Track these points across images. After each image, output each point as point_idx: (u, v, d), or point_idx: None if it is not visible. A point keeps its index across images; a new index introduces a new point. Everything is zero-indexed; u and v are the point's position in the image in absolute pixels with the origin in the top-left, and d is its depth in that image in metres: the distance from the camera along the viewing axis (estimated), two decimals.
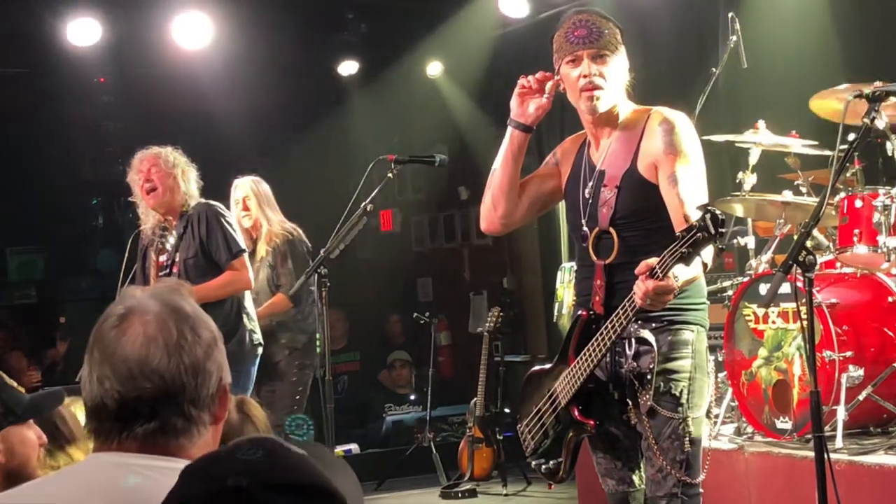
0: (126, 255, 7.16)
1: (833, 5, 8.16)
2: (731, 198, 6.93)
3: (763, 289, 6.32)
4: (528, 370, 4.78)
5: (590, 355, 4.25)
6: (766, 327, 6.38)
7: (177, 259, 6.92)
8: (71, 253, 14.93)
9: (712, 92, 7.37)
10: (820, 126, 6.85)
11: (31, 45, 10.30)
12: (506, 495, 9.11)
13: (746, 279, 6.65)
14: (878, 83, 4.85)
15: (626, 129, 4.41)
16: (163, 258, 6.97)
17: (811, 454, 4.18)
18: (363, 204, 6.47)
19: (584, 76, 4.32)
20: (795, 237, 4.84)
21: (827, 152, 6.67)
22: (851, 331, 6.06)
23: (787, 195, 6.74)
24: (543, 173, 4.71)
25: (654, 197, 4.22)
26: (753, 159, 6.87)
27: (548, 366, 4.60)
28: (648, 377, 4.25)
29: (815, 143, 6.84)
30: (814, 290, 4.29)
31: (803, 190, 6.94)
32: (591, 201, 4.43)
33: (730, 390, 6.60)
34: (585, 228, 4.43)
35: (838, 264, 6.52)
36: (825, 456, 4.04)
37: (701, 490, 4.32)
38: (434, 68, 11.80)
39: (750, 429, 6.49)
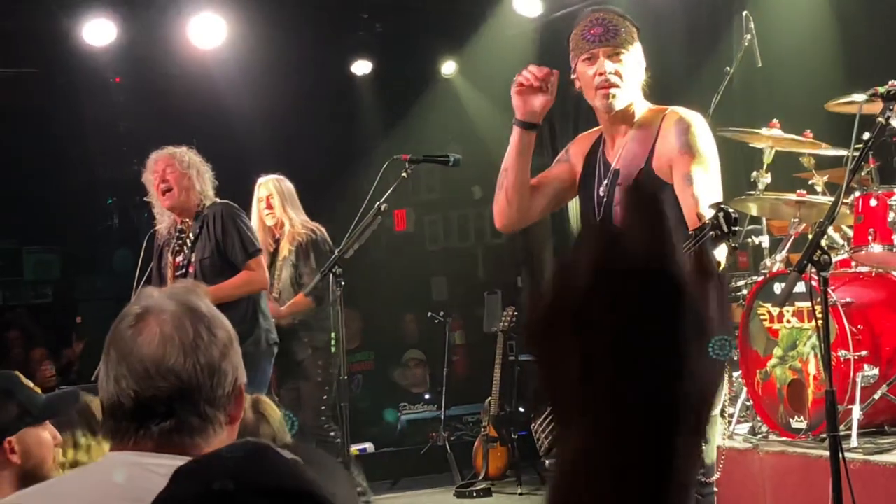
0: (142, 255, 7.16)
1: (846, 3, 8.14)
2: (746, 197, 6.92)
3: (778, 288, 6.30)
4: None
5: None
6: (781, 326, 6.38)
7: (193, 259, 6.91)
8: (86, 252, 14.97)
9: (726, 91, 7.36)
10: (834, 125, 6.84)
11: (46, 45, 10.33)
12: (520, 494, 9.10)
13: (761, 278, 6.64)
14: (893, 82, 4.85)
15: (641, 129, 4.40)
16: (179, 258, 6.96)
17: (826, 453, 4.18)
18: (377, 203, 6.47)
19: (600, 74, 4.33)
20: (810, 236, 4.84)
21: (842, 151, 6.66)
22: (866, 330, 6.05)
23: (802, 194, 6.74)
24: (557, 170, 4.71)
25: (668, 197, 4.22)
26: (767, 158, 6.87)
27: None
28: None
29: (828, 145, 6.83)
30: (829, 290, 4.29)
31: (818, 189, 6.93)
32: (605, 199, 4.43)
33: (745, 389, 6.60)
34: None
35: (853, 263, 6.51)
36: (840, 455, 4.04)
37: (715, 489, 4.32)
38: (448, 67, 11.80)
39: (765, 428, 6.48)
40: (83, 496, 2.10)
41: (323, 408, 7.86)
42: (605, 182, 4.45)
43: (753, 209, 7.15)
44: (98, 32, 9.91)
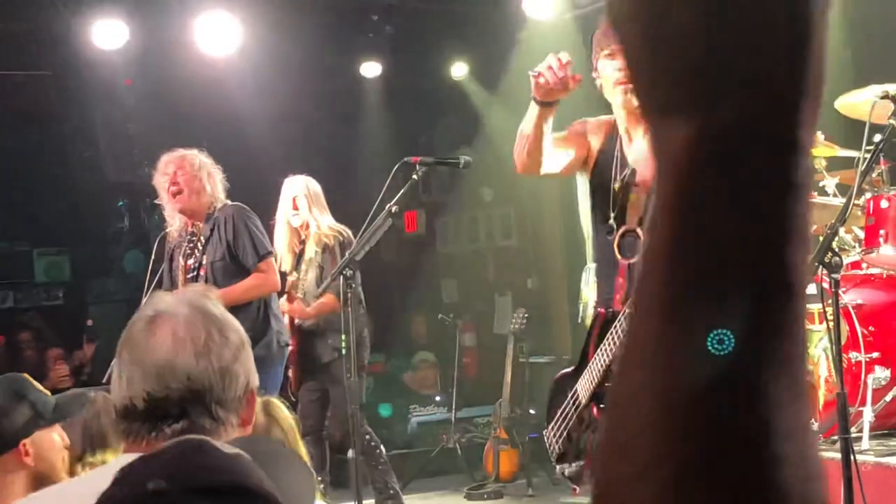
0: (152, 257, 7.16)
1: (858, 3, 8.12)
2: None
3: None
4: (554, 371, 4.78)
5: (606, 349, 4.26)
6: None
7: (204, 262, 6.91)
8: (97, 255, 15.00)
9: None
10: (846, 126, 6.82)
11: (57, 47, 10.35)
12: (531, 496, 9.11)
13: None
14: None
15: None
16: (190, 261, 6.96)
17: (838, 456, 4.17)
18: (388, 206, 6.47)
19: (621, 69, 4.32)
20: (821, 238, 4.83)
21: (853, 153, 6.64)
22: (878, 331, 6.03)
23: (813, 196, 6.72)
24: (576, 144, 4.62)
25: None
26: None
27: (571, 369, 4.61)
28: None
29: (839, 147, 6.81)
30: (840, 291, 4.28)
31: (829, 191, 6.91)
32: (621, 196, 4.42)
33: None
34: (613, 223, 4.41)
35: (864, 265, 6.49)
36: (852, 458, 4.03)
37: None
38: (458, 69, 11.79)
39: None
40: (95, 498, 2.10)
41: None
42: (622, 178, 4.43)
43: None
44: (109, 35, 9.91)
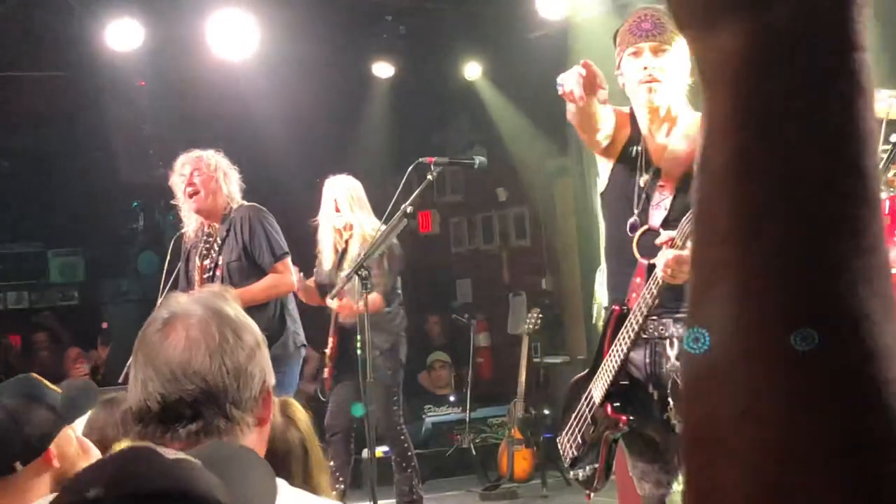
0: (168, 257, 7.16)
1: (886, 3, 8.09)
2: None
3: None
4: (568, 372, 4.79)
5: (619, 346, 4.26)
6: None
7: (220, 262, 6.92)
8: (111, 255, 15.04)
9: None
10: None
11: (71, 48, 10.36)
12: (545, 497, 9.11)
13: None
14: None
15: (687, 132, 4.36)
16: (206, 262, 6.96)
17: None
18: (403, 206, 6.47)
19: (644, 68, 4.31)
20: None
21: None
22: None
23: None
24: (618, 128, 4.54)
25: None
26: None
27: (585, 372, 4.61)
28: None
29: None
30: None
31: None
32: (645, 194, 4.39)
33: None
34: (637, 219, 4.39)
35: None
36: None
37: None
38: (472, 70, 11.78)
39: None
40: None
41: (395, 408, 7.88)
42: (646, 177, 4.41)
43: None
44: (124, 35, 9.92)
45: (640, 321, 4.16)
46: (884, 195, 6.15)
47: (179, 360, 2.14)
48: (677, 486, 4.46)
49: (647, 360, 4.35)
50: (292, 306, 7.15)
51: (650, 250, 4.32)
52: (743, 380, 0.69)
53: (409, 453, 7.95)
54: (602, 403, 4.38)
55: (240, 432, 2.17)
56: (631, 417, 4.35)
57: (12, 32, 10.15)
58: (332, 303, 7.44)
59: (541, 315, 9.77)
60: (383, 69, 11.59)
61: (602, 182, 4.63)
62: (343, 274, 7.40)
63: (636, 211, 4.40)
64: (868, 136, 0.71)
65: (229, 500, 1.50)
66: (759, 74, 0.71)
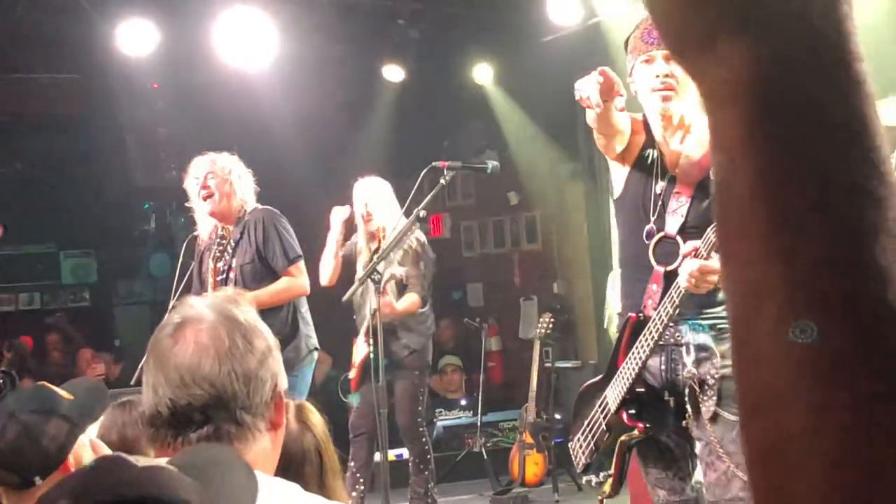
0: (180, 259, 7.17)
1: None
2: None
3: None
4: (580, 377, 4.77)
5: (637, 353, 4.25)
6: None
7: (233, 265, 6.92)
8: (123, 257, 15.07)
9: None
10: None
11: (85, 50, 10.38)
12: (557, 502, 9.10)
13: None
14: None
15: (702, 139, 4.35)
16: (220, 264, 6.97)
17: None
18: (416, 210, 6.46)
19: (657, 76, 4.29)
20: None
21: None
22: None
23: None
24: (633, 134, 4.54)
25: None
26: None
27: (598, 378, 4.59)
28: (711, 383, 4.23)
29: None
30: None
31: None
32: (661, 201, 4.38)
33: None
34: (653, 226, 4.38)
35: None
36: None
37: None
38: (483, 74, 11.77)
39: None
40: None
41: (419, 408, 7.88)
42: (662, 183, 4.39)
43: None
44: (137, 38, 9.93)
45: (661, 329, 4.15)
46: None
47: (188, 365, 2.15)
48: (691, 493, 4.45)
49: (663, 367, 4.35)
50: (305, 309, 7.15)
51: (666, 257, 4.31)
52: (805, 395, 0.70)
53: (429, 455, 7.97)
54: (617, 410, 4.37)
55: (251, 437, 2.18)
56: (648, 425, 4.34)
57: (26, 35, 10.17)
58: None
59: (552, 320, 9.76)
60: (395, 72, 11.59)
61: (617, 188, 4.61)
62: (386, 276, 7.42)
63: (652, 218, 4.38)
64: (882, 141, 0.72)
65: (202, 501, 1.50)
66: (771, 94, 0.71)
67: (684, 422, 4.32)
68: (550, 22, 10.35)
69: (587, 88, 4.10)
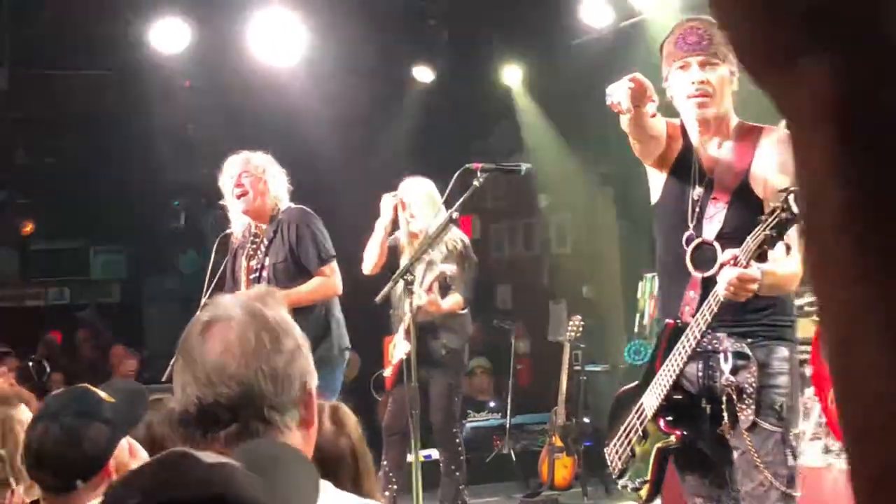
0: (212, 257, 7.16)
1: None
2: None
3: None
4: (609, 380, 4.76)
5: (675, 361, 4.23)
6: None
7: (266, 263, 6.93)
8: (153, 254, 15.16)
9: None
10: None
11: (118, 47, 10.42)
12: None
13: None
14: None
15: (738, 143, 4.34)
16: (253, 262, 6.98)
17: None
18: (449, 212, 6.44)
19: (693, 83, 4.28)
20: None
21: None
22: None
23: None
24: (670, 140, 4.52)
25: (762, 213, 4.15)
26: None
27: (635, 383, 4.58)
28: (749, 391, 4.21)
29: None
30: None
31: None
32: (699, 207, 4.37)
33: (818, 406, 6.51)
34: (693, 232, 4.36)
35: None
36: None
37: None
38: (514, 76, 11.76)
39: (838, 445, 6.40)
40: None
41: (454, 409, 7.89)
42: (699, 189, 4.38)
43: None
44: (170, 36, 9.98)
45: (698, 337, 4.14)
46: None
47: (215, 364, 2.15)
48: (728, 501, 4.42)
49: (700, 374, 4.33)
50: (337, 310, 7.14)
51: (704, 264, 4.29)
52: None
53: (461, 458, 7.97)
54: (654, 417, 4.35)
55: (280, 435, 2.17)
56: (685, 432, 4.32)
57: (61, 32, 10.21)
58: (421, 294, 7.34)
59: (582, 323, 9.73)
60: (425, 73, 11.60)
61: (655, 194, 4.60)
62: (434, 273, 7.41)
63: (691, 224, 4.36)
64: None
65: (270, 501, 1.49)
66: (857, 117, 0.68)
67: (721, 430, 4.30)
68: (581, 24, 10.34)
69: (618, 93, 4.09)
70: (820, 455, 6.46)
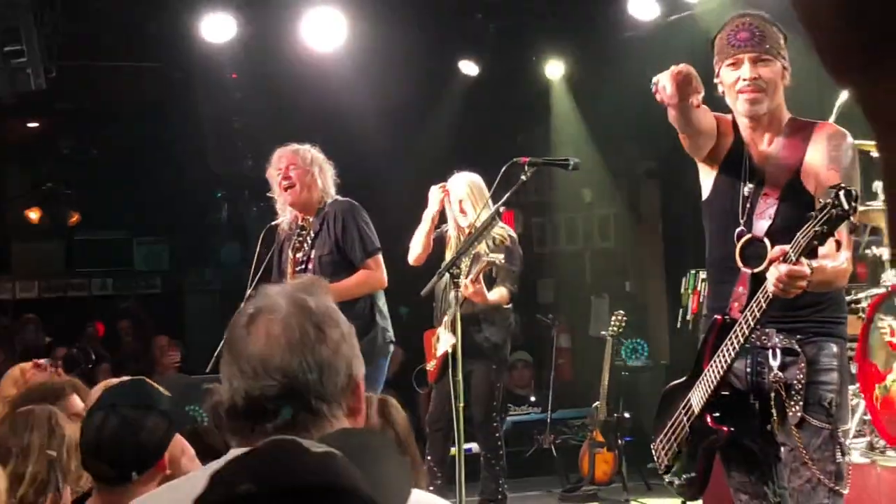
0: (258, 249, 7.18)
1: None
2: (866, 208, 6.79)
3: None
4: (651, 376, 4.75)
5: (723, 357, 4.22)
6: None
7: (312, 256, 6.95)
8: (195, 245, 15.22)
9: (848, 100, 7.23)
10: None
11: (165, 40, 10.48)
12: (626, 501, 9.06)
13: (882, 291, 6.52)
14: None
15: (790, 138, 4.34)
16: (299, 255, 7.00)
17: None
18: (496, 205, 6.43)
19: (744, 79, 4.28)
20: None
21: None
22: None
23: None
24: (721, 136, 4.51)
25: (812, 209, 4.14)
26: None
27: (682, 379, 4.57)
28: (798, 388, 4.20)
29: None
30: None
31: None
32: (750, 203, 4.36)
33: (862, 403, 6.48)
34: (743, 228, 4.36)
35: None
36: None
37: None
38: (559, 69, 11.74)
39: (882, 443, 6.37)
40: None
41: (494, 403, 7.90)
42: (751, 185, 4.38)
43: (874, 220, 7.02)
44: (218, 28, 10.02)
45: (747, 333, 4.13)
46: None
47: (260, 356, 2.15)
48: (773, 498, 4.41)
49: (749, 370, 4.32)
50: (382, 302, 7.15)
51: (753, 260, 4.28)
52: None
53: (501, 451, 7.98)
54: (701, 413, 4.34)
55: (329, 425, 2.17)
56: (732, 429, 4.31)
57: (109, 23, 10.27)
58: (467, 283, 7.34)
59: (625, 318, 9.71)
60: (471, 67, 11.60)
61: (705, 190, 4.59)
62: (475, 269, 7.41)
63: (742, 220, 4.35)
64: None
65: (369, 491, 1.50)
66: None
67: (769, 426, 4.29)
68: (630, 18, 10.31)
69: (663, 80, 4.09)
70: (864, 452, 6.44)
